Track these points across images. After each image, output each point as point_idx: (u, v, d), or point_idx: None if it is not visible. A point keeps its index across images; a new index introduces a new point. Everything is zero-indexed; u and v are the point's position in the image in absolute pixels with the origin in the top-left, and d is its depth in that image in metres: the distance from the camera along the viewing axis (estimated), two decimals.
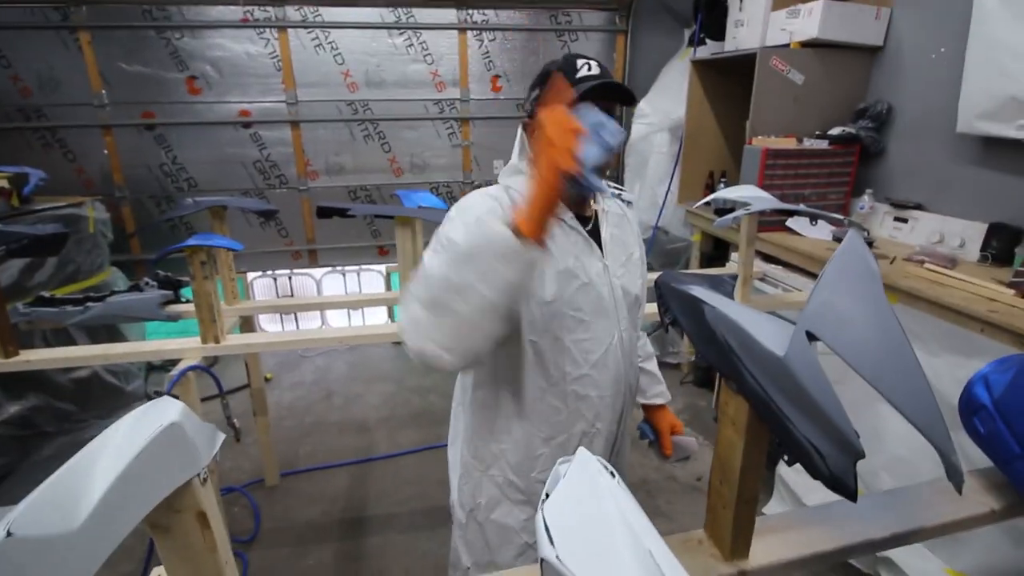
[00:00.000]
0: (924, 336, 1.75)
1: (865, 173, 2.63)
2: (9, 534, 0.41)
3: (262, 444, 2.54)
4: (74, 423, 2.92)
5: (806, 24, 2.50)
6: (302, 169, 3.74)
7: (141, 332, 3.45)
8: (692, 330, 0.82)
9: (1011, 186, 2.03)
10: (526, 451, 1.08)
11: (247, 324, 2.43)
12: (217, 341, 1.80)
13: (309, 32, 3.51)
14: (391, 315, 4.19)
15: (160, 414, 0.57)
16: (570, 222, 1.04)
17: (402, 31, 3.61)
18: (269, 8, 3.41)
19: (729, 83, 3.19)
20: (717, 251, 3.31)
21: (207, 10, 3.37)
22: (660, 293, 0.96)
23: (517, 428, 1.07)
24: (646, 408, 1.32)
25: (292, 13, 3.46)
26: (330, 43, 3.55)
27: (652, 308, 1.86)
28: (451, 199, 4.02)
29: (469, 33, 3.70)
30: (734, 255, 2.69)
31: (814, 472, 0.60)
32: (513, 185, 1.04)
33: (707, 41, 3.25)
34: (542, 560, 0.37)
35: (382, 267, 4.25)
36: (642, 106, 3.62)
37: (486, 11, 3.70)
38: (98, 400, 3.05)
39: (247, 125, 3.60)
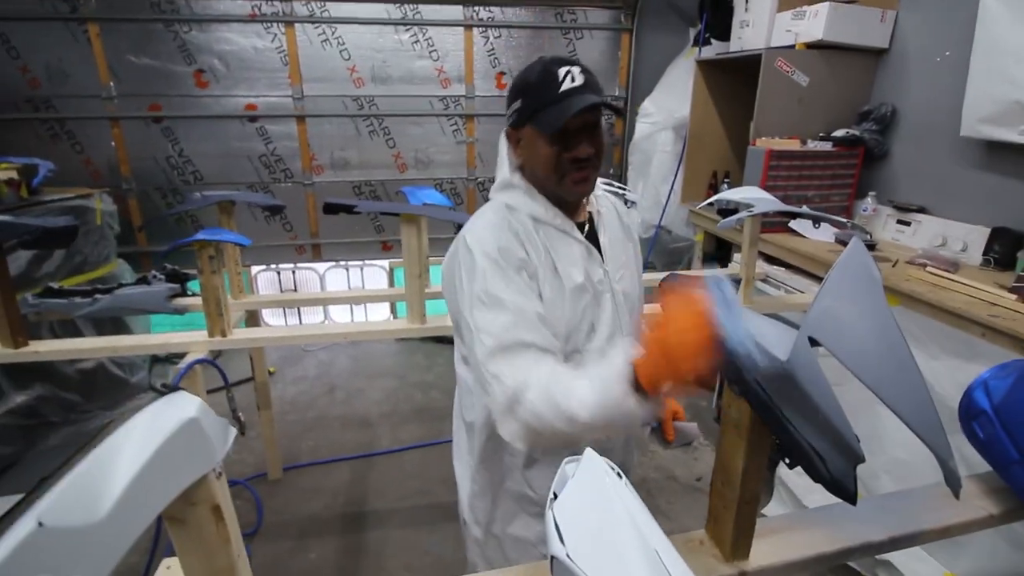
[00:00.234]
0: (925, 339, 1.77)
1: (868, 175, 2.64)
2: (40, 524, 0.43)
3: (265, 438, 2.57)
4: (79, 414, 2.95)
5: (811, 26, 2.50)
6: (307, 164, 3.76)
7: (146, 325, 3.47)
8: None
9: (1014, 190, 2.04)
10: (540, 463, 1.08)
11: (252, 318, 2.44)
12: (224, 335, 1.82)
13: (316, 27, 3.51)
14: (393, 311, 4.21)
15: (179, 409, 0.59)
16: (572, 233, 1.02)
17: (408, 27, 3.62)
18: (277, 3, 3.42)
19: (734, 83, 3.19)
20: (720, 251, 3.33)
21: (215, 4, 3.37)
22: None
23: None
24: None
25: (299, 8, 3.46)
26: (337, 38, 3.55)
27: (649, 308, 1.87)
28: (455, 195, 4.03)
29: (475, 30, 3.71)
30: (737, 256, 2.70)
31: (815, 475, 0.62)
32: (514, 203, 1.01)
33: (712, 41, 3.26)
34: (553, 557, 0.39)
35: (385, 263, 4.26)
36: (646, 105, 3.63)
37: (492, 8, 3.70)
38: (103, 391, 3.07)
39: (253, 119, 3.61)
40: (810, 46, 2.57)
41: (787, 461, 0.64)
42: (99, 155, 3.50)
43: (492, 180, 1.09)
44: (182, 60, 3.43)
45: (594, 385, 0.76)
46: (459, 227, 1.08)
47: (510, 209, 1.01)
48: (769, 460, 0.74)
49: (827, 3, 2.43)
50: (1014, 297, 1.67)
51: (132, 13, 3.29)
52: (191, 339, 1.82)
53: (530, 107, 0.95)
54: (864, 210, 2.53)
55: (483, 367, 0.88)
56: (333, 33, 3.54)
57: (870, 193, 2.55)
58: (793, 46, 2.61)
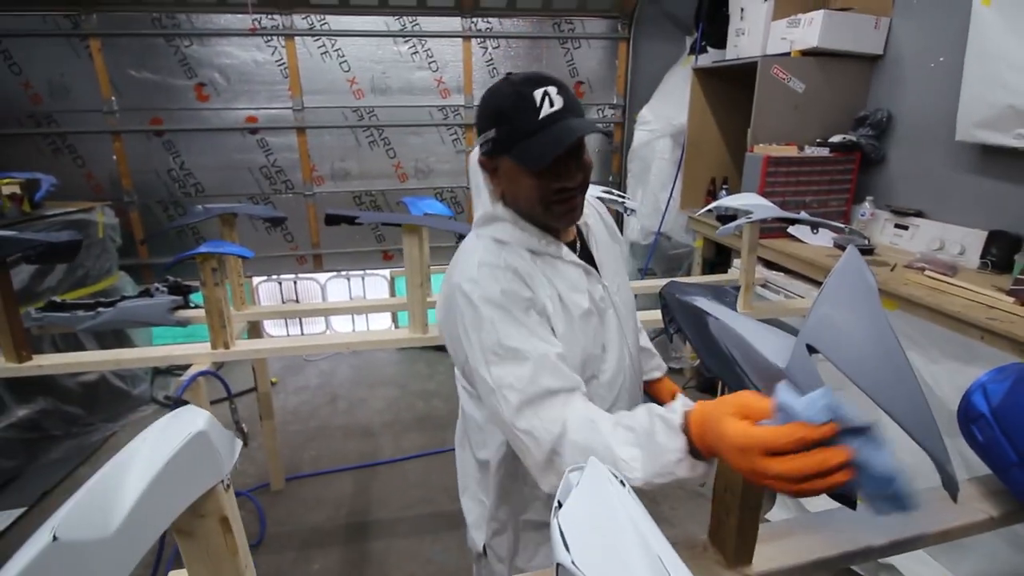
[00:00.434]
0: (924, 343, 1.77)
1: (866, 180, 2.66)
2: (55, 538, 0.44)
3: (268, 449, 2.57)
4: (81, 427, 2.95)
5: (806, 33, 2.53)
6: (308, 175, 3.78)
7: (148, 337, 3.48)
8: (696, 341, 0.84)
9: (1010, 194, 2.05)
10: None
11: (254, 329, 2.45)
12: (227, 347, 1.83)
13: (316, 40, 3.54)
14: (395, 320, 4.21)
15: (187, 423, 0.60)
16: (568, 257, 0.96)
17: (407, 39, 3.65)
18: (277, 16, 3.45)
19: (731, 91, 3.22)
20: (719, 257, 3.34)
21: (216, 18, 3.41)
22: (665, 304, 0.99)
23: None
24: (646, 384, 1.27)
25: (299, 21, 3.50)
26: (336, 51, 3.59)
27: (650, 315, 1.89)
28: (455, 204, 4.06)
29: (473, 41, 3.74)
30: (736, 261, 2.72)
31: None
32: (504, 238, 0.93)
33: (709, 49, 3.29)
34: (558, 565, 0.39)
35: (386, 272, 4.28)
36: (644, 113, 3.66)
37: (490, 19, 3.74)
38: (105, 404, 3.08)
39: (254, 131, 3.64)
40: (805, 53, 2.59)
41: None
42: (101, 169, 3.53)
43: None
44: (183, 74, 3.46)
45: (642, 444, 0.69)
46: (460, 237, 1.07)
47: (501, 244, 0.93)
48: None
49: (822, 11, 2.46)
50: (1012, 300, 1.68)
51: (133, 28, 3.33)
52: (194, 351, 1.83)
53: (507, 138, 0.86)
54: (862, 215, 2.55)
55: (512, 426, 0.81)
56: (333, 45, 3.58)
57: (867, 198, 2.56)
58: (789, 53, 2.63)
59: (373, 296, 4.37)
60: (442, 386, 3.60)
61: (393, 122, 3.79)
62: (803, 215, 2.00)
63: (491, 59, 3.82)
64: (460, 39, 3.71)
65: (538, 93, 0.84)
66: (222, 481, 0.63)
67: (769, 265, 2.58)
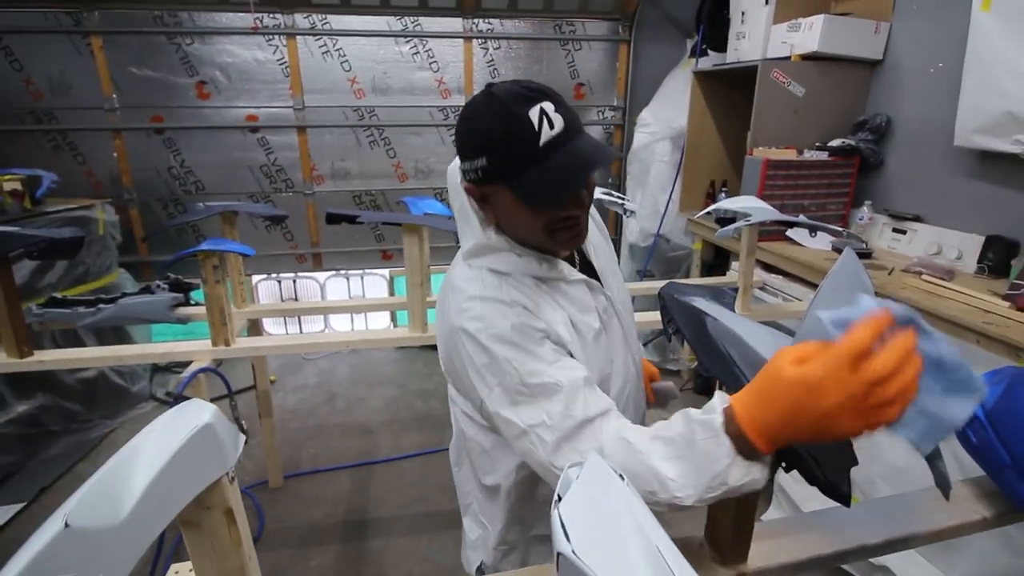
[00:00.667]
0: None
1: (864, 184, 2.67)
2: (67, 525, 0.45)
3: (266, 446, 2.58)
4: (80, 423, 2.95)
5: (807, 37, 2.54)
6: (308, 174, 3.79)
7: (147, 334, 3.48)
8: (694, 341, 0.85)
9: (1007, 199, 2.07)
10: None
11: (253, 327, 2.46)
12: (227, 344, 1.83)
13: (317, 39, 3.55)
14: (394, 319, 4.22)
15: (194, 415, 0.61)
16: (572, 276, 0.89)
17: (408, 39, 3.66)
18: (278, 15, 3.46)
19: (731, 94, 3.24)
20: (718, 259, 3.35)
21: (217, 17, 3.42)
22: (663, 304, 1.00)
23: None
24: None
25: (301, 21, 3.51)
26: (337, 50, 3.60)
27: (648, 316, 1.90)
28: None
29: (474, 42, 3.75)
30: (735, 264, 2.73)
31: (810, 478, 0.64)
32: (504, 268, 0.85)
33: (709, 52, 3.30)
34: (558, 554, 0.40)
35: (386, 271, 4.29)
36: (644, 115, 3.67)
37: (491, 20, 3.75)
38: (104, 400, 3.08)
39: (255, 130, 3.65)
40: (805, 57, 2.61)
41: (784, 465, 0.66)
42: (101, 166, 3.53)
43: None
44: (184, 72, 3.47)
45: (684, 455, 0.63)
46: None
47: (500, 275, 0.85)
48: (832, 488, 0.73)
49: (822, 15, 2.47)
50: (1008, 304, 1.69)
51: (135, 26, 3.33)
52: (195, 348, 1.84)
53: (502, 168, 0.76)
54: (860, 219, 2.56)
55: (550, 466, 0.75)
56: (334, 45, 3.59)
57: (866, 202, 2.58)
58: (789, 57, 2.65)
59: (372, 295, 4.38)
60: (440, 386, 3.60)
61: (393, 122, 3.80)
62: (802, 218, 2.02)
63: (492, 60, 3.83)
64: (461, 40, 3.73)
65: (534, 113, 0.73)
66: (227, 473, 0.64)
67: (767, 268, 2.60)
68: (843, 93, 2.70)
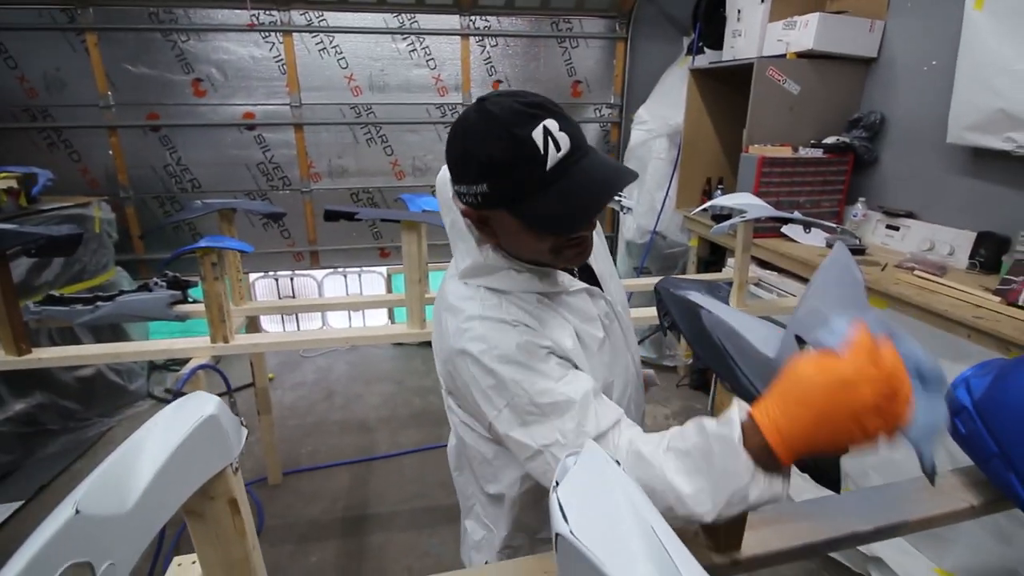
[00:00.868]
0: None
1: (858, 181, 2.69)
2: (77, 512, 0.46)
3: (265, 443, 2.58)
4: (78, 421, 2.96)
5: (802, 35, 2.56)
6: (305, 171, 3.79)
7: (144, 332, 3.49)
8: (689, 333, 0.87)
9: (999, 196, 2.09)
10: None
11: (251, 324, 2.46)
12: (226, 340, 1.84)
13: (314, 36, 3.55)
14: (391, 316, 4.23)
15: (198, 407, 0.62)
16: (573, 287, 0.87)
17: (405, 36, 3.67)
18: (275, 12, 3.46)
19: (727, 92, 3.25)
20: (714, 256, 3.37)
21: (213, 14, 3.41)
22: (659, 298, 1.01)
23: None
24: None
25: (297, 17, 3.50)
26: (334, 47, 3.59)
27: (645, 312, 1.91)
28: None
29: (471, 39, 3.76)
30: (730, 260, 2.75)
31: (801, 465, 0.65)
32: (504, 287, 0.83)
33: (705, 50, 3.31)
34: (557, 535, 0.42)
35: (383, 269, 4.29)
36: (641, 112, 3.69)
37: (488, 18, 3.75)
38: (102, 399, 3.09)
39: (251, 127, 3.65)
40: (801, 55, 2.63)
41: None
42: (97, 164, 3.53)
43: None
44: (180, 69, 3.46)
45: (702, 470, 0.62)
46: None
47: (500, 294, 0.82)
48: (826, 476, 0.74)
49: (817, 13, 2.49)
50: (998, 299, 1.72)
51: (130, 23, 3.33)
52: (194, 345, 1.84)
53: (505, 195, 0.72)
54: (854, 215, 2.59)
55: None
56: (331, 42, 3.59)
57: (860, 199, 2.60)
58: (784, 55, 2.66)
59: (370, 293, 4.39)
60: (438, 383, 3.59)
61: (391, 119, 3.80)
62: (796, 215, 2.03)
63: (489, 57, 3.83)
64: (458, 37, 3.73)
65: (538, 134, 0.68)
66: (231, 464, 0.65)
67: (762, 264, 2.62)
68: (838, 91, 2.72)
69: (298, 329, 4.35)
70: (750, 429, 0.60)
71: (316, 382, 3.69)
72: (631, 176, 0.73)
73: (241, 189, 3.73)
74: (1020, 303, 1.67)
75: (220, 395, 2.01)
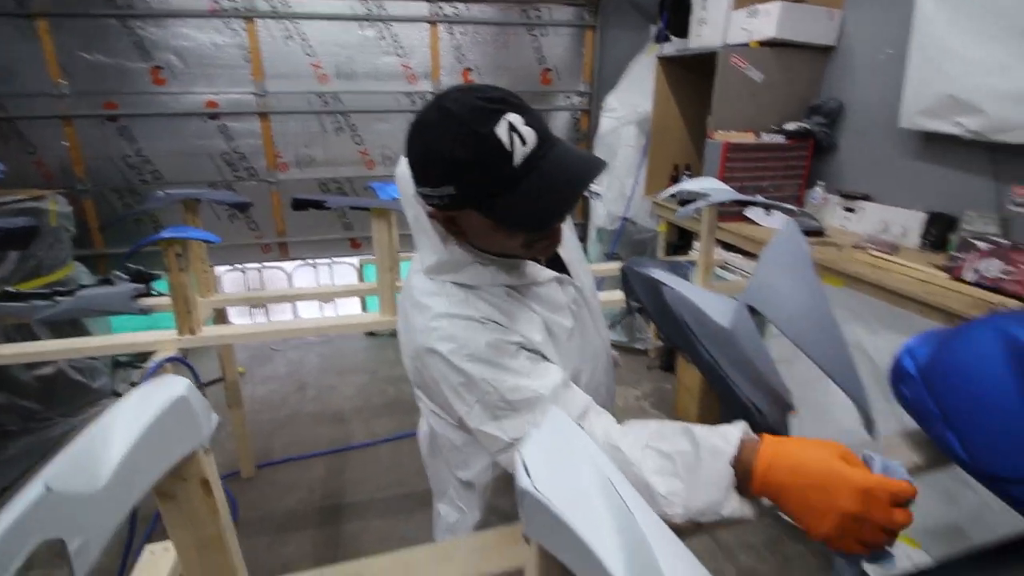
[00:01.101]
0: (867, 317, 1.89)
1: (818, 166, 2.78)
2: (48, 489, 0.46)
3: (237, 436, 2.56)
4: (39, 422, 2.87)
5: (764, 24, 2.62)
6: (272, 161, 3.72)
7: (107, 327, 3.39)
8: (653, 309, 0.90)
9: (948, 178, 2.19)
10: None
11: (219, 318, 2.43)
12: (193, 333, 1.82)
13: (278, 23, 3.48)
14: (364, 306, 4.20)
15: (168, 388, 0.62)
16: (542, 277, 0.86)
17: (373, 23, 3.62)
18: None
19: (694, 79, 3.30)
20: (682, 241, 3.44)
21: None
22: (625, 278, 1.04)
23: None
24: None
25: (261, 3, 3.42)
26: (300, 34, 3.53)
27: (616, 295, 1.95)
28: None
29: (440, 26, 3.73)
30: (697, 244, 2.81)
31: (754, 426, 0.69)
32: (472, 281, 0.82)
33: (672, 38, 3.36)
34: (520, 490, 0.44)
35: (355, 259, 4.25)
36: (610, 100, 3.72)
37: (457, 4, 3.73)
38: (64, 398, 3.00)
39: (214, 116, 3.56)
40: (763, 44, 2.68)
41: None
42: (51, 155, 3.40)
43: None
44: (138, 56, 3.35)
45: (681, 476, 0.64)
46: None
47: (468, 289, 0.81)
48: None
49: (779, 2, 2.54)
50: (946, 275, 1.81)
51: (84, 8, 3.20)
52: (160, 338, 1.81)
53: (474, 195, 0.70)
54: (814, 199, 2.67)
55: None
56: (296, 28, 3.52)
57: (819, 183, 2.68)
58: (747, 44, 2.72)
59: (342, 284, 4.34)
60: None
61: (359, 108, 3.75)
62: (758, 198, 2.09)
63: (459, 44, 3.81)
64: (427, 24, 3.70)
65: (502, 130, 0.66)
66: (202, 446, 0.66)
67: (727, 247, 2.68)
68: (799, 78, 2.79)
69: (269, 322, 4.29)
70: (747, 461, 0.62)
71: (288, 375, 3.66)
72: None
73: (205, 180, 3.64)
74: (965, 278, 1.76)
75: None
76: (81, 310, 2.04)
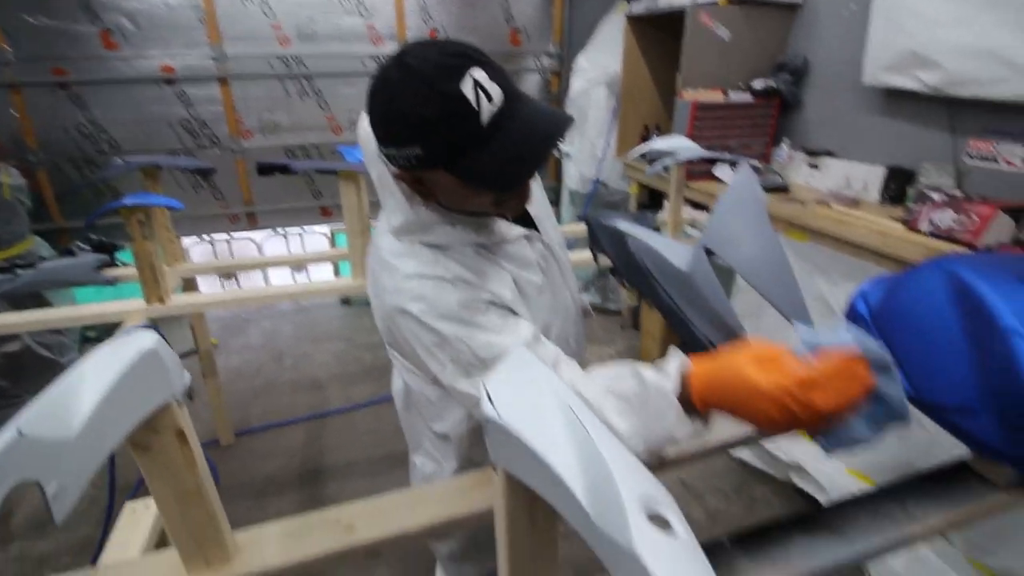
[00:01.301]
0: (829, 269, 1.96)
1: (785, 124, 2.82)
2: (20, 433, 0.47)
3: (214, 405, 2.55)
4: (8, 399, 2.81)
5: None
6: (234, 128, 3.60)
7: (71, 300, 3.31)
8: (617, 258, 0.92)
9: (907, 133, 2.25)
10: None
11: (188, 287, 2.39)
12: (162, 301, 1.79)
13: None
14: (337, 272, 4.17)
15: (138, 342, 0.63)
16: (512, 234, 0.87)
17: None
18: None
19: (663, 38, 3.28)
20: (653, 201, 3.47)
21: None
22: (591, 230, 1.06)
23: None
24: None
25: None
26: None
27: (584, 255, 1.98)
28: None
29: None
30: (667, 204, 2.84)
31: None
32: (441, 241, 0.81)
33: None
34: (485, 418, 0.47)
35: (326, 228, 4.20)
36: (580, 61, 3.68)
37: None
38: (31, 375, 2.93)
39: (171, 82, 3.41)
40: (731, 1, 2.67)
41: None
42: (0, 126, 3.24)
43: None
44: (85, 19, 3.18)
45: (637, 412, 0.67)
46: None
47: (438, 249, 0.81)
48: None
49: None
50: (903, 227, 1.87)
51: None
52: (128, 307, 1.78)
53: (442, 155, 0.69)
54: (780, 156, 2.72)
55: None
56: None
57: (785, 140, 2.73)
58: (716, 2, 2.70)
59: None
60: None
61: (323, 72, 3.64)
62: (725, 155, 2.12)
63: (424, 5, 3.70)
64: None
65: (467, 88, 0.64)
66: (175, 398, 0.67)
67: (695, 205, 2.72)
68: (766, 36, 2.79)
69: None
70: (685, 388, 0.65)
71: (263, 345, 3.63)
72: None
73: (166, 149, 3.52)
74: (921, 229, 1.83)
75: None
76: (43, 282, 2.00)
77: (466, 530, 1.10)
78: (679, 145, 2.02)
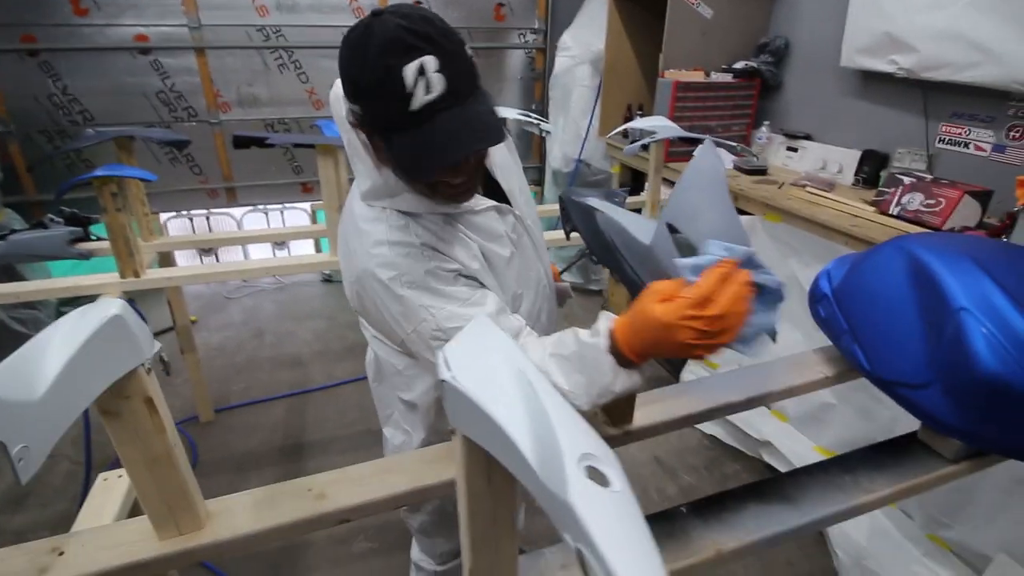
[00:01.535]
0: (801, 250, 2.00)
1: (765, 105, 2.84)
2: None
3: (193, 381, 2.55)
4: None
5: None
6: (212, 101, 3.53)
7: (44, 274, 3.25)
8: (587, 234, 0.94)
9: (881, 116, 2.28)
10: None
11: (165, 262, 2.36)
12: (137, 275, 1.78)
13: None
14: (318, 248, 4.13)
15: (103, 309, 0.63)
16: (480, 206, 0.88)
17: None
18: None
19: (647, 17, 3.26)
20: (635, 182, 3.48)
21: None
22: (563, 206, 1.08)
23: None
24: None
25: None
26: None
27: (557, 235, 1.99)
28: None
29: None
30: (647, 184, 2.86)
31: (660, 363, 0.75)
32: (410, 208, 0.83)
33: None
34: (442, 381, 0.48)
35: (307, 205, 4.15)
36: (565, 38, 3.64)
37: None
38: (5, 350, 2.85)
39: (145, 51, 3.32)
40: None
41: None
42: None
43: None
44: None
45: (578, 369, 0.72)
46: None
47: (407, 216, 0.82)
48: (671, 365, 0.86)
49: None
50: (873, 210, 1.91)
51: None
52: (102, 281, 1.77)
53: (372, 122, 0.73)
54: (760, 139, 2.74)
55: None
56: None
57: (765, 122, 2.75)
58: None
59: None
60: None
61: (303, 43, 3.57)
62: (705, 137, 2.14)
63: None
64: None
65: (410, 71, 0.65)
66: (143, 364, 0.68)
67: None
68: (748, 16, 2.80)
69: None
70: (612, 340, 0.70)
71: (244, 322, 3.61)
72: (495, 140, 0.73)
73: (142, 121, 3.44)
74: (891, 212, 1.87)
75: None
76: (14, 255, 1.97)
77: (434, 500, 1.14)
78: (659, 124, 2.03)
